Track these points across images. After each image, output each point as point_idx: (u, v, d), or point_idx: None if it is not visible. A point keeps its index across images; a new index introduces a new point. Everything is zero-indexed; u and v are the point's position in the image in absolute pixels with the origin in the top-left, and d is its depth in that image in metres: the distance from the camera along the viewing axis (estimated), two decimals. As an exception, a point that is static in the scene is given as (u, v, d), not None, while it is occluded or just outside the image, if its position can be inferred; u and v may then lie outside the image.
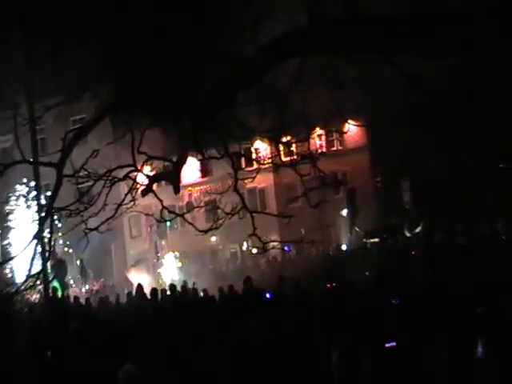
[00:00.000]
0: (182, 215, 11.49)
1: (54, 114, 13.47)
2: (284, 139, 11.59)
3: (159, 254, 34.35)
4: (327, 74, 11.09)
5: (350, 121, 13.96)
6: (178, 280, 28.69)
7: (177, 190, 10.63)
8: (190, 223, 11.31)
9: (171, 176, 10.64)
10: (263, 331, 10.56)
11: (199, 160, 11.52)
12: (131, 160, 10.54)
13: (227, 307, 13.25)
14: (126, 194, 10.70)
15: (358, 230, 33.07)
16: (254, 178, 11.67)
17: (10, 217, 33.97)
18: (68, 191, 10.55)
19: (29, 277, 10.03)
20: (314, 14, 8.78)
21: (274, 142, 11.22)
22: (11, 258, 16.06)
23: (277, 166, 11.67)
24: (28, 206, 33.06)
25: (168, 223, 29.12)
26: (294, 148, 12.27)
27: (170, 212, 11.39)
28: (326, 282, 13.62)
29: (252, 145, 12.93)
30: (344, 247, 33.22)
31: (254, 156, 12.73)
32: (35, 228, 29.98)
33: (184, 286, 18.76)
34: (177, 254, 34.71)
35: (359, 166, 36.88)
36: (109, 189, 10.46)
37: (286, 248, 33.58)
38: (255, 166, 12.13)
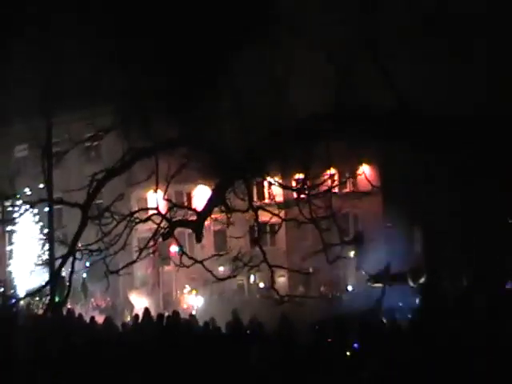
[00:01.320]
0: (201, 262, 11.22)
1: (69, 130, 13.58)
2: (297, 175, 11.71)
3: (161, 280, 34.30)
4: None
5: (364, 165, 14.13)
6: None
7: (199, 239, 10.65)
8: (209, 271, 11.31)
9: (195, 225, 10.63)
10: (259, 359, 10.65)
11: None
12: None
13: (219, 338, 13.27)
14: (150, 239, 10.78)
15: (364, 273, 33.00)
16: (277, 228, 11.74)
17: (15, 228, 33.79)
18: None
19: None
20: (340, 101, 9.04)
21: (288, 178, 11.34)
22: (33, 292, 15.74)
23: (289, 204, 11.77)
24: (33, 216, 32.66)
25: (177, 249, 29.20)
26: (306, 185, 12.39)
27: (190, 258, 11.21)
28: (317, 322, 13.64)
29: (265, 179, 13.05)
30: (350, 288, 33.21)
31: (267, 192, 12.83)
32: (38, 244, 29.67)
33: (193, 315, 18.84)
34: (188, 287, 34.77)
35: (371, 209, 36.80)
36: (130, 229, 10.56)
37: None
38: (267, 200, 12.22)
